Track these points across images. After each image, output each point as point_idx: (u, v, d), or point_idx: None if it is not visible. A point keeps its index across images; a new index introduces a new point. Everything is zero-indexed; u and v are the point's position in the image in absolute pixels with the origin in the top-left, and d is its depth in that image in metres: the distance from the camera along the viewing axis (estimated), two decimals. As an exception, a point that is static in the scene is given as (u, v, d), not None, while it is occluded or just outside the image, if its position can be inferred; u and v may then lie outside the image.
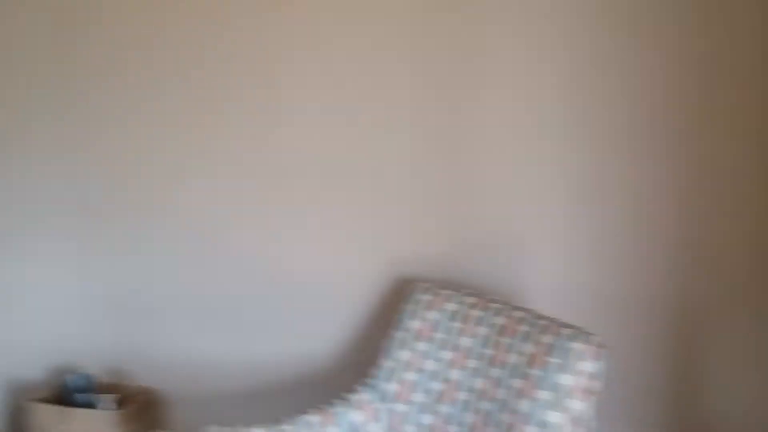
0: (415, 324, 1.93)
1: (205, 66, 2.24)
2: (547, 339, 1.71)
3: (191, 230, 2.34)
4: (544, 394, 1.65)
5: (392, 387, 1.90)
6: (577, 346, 1.67)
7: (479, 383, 1.79)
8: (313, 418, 1.83)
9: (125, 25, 2.28)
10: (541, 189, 2.04)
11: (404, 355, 1.91)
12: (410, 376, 1.89)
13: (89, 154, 2.39)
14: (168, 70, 2.27)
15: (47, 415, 2.28)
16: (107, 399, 2.31)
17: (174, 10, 2.24)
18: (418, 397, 1.86)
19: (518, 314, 1.82)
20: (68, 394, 2.35)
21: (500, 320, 1.82)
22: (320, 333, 2.26)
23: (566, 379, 1.65)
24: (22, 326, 2.56)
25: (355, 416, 1.87)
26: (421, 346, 1.90)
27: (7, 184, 2.47)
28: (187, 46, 2.24)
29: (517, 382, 1.70)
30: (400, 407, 1.88)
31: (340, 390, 2.15)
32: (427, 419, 1.84)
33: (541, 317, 1.80)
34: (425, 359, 1.88)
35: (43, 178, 2.44)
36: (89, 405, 2.32)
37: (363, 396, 1.92)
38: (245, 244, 2.30)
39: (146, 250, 2.40)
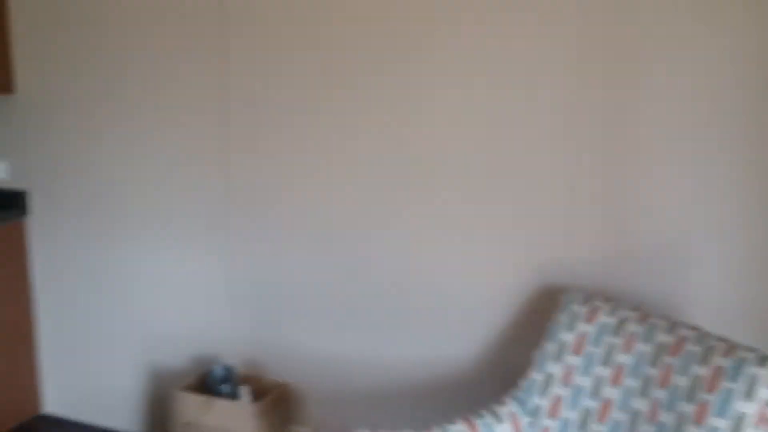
0: (567, 336, 1.83)
1: (348, 62, 2.23)
2: (721, 361, 1.57)
3: (333, 230, 2.35)
4: (719, 422, 1.52)
5: (542, 402, 1.81)
6: (757, 370, 1.52)
7: (640, 404, 1.67)
8: (459, 428, 1.78)
9: (284, 27, 2.31)
10: (708, 194, 1.88)
11: (555, 368, 1.82)
12: (562, 391, 1.80)
13: (240, 154, 2.45)
14: (313, 69, 2.28)
15: (191, 403, 2.37)
16: (246, 391, 2.37)
17: (329, 16, 2.25)
18: (571, 414, 1.77)
19: (685, 332, 1.68)
20: (211, 384, 2.43)
21: (665, 337, 1.69)
22: (460, 338, 2.21)
23: (745, 407, 1.50)
24: (169, 317, 2.68)
25: (502, 429, 1.81)
26: (575, 360, 1.80)
27: (150, 181, 2.59)
28: (332, 46, 2.24)
29: (686, 407, 1.58)
30: (551, 423, 1.79)
31: (480, 398, 2.09)
32: (578, 437, 1.74)
33: (711, 336, 1.66)
34: (579, 375, 1.78)
35: (195, 177, 2.53)
36: (230, 395, 2.39)
37: (510, 408, 1.84)
38: (386, 246, 2.28)
39: (288, 248, 2.43)
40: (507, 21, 2.02)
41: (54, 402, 2.98)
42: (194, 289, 2.61)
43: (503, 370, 2.13)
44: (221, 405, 2.32)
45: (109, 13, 2.53)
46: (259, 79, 2.36)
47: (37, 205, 2.82)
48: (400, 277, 2.27)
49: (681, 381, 1.61)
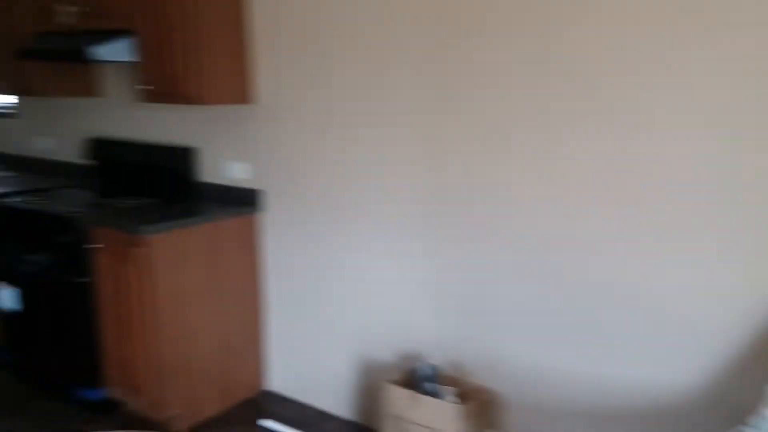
0: (809, 374, 1.65)
1: (569, 69, 2.21)
2: None
3: (547, 240, 2.34)
4: None
5: (776, 442, 1.65)
6: None
7: None
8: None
9: (507, 32, 2.36)
10: None
11: (793, 408, 1.65)
12: (801, 434, 1.62)
13: (447, 154, 2.53)
14: (534, 74, 2.29)
15: (399, 397, 2.51)
16: (450, 391, 2.46)
17: (566, 19, 2.24)
18: (811, 460, 1.59)
19: None
20: (416, 380, 2.55)
21: None
22: (681, 362, 2.08)
23: None
24: (381, 312, 2.86)
25: (725, 466, 1.68)
26: (818, 401, 1.61)
27: (369, 182, 2.78)
28: (555, 53, 2.23)
29: None
30: (785, 467, 1.62)
31: (699, 430, 1.96)
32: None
33: None
34: (823, 418, 1.60)
35: (405, 176, 2.68)
36: (432, 394, 2.49)
37: (735, 445, 1.70)
38: (603, 261, 2.22)
39: (499, 254, 2.46)
40: (746, 22, 1.86)
41: (278, 380, 3.33)
42: (406, 288, 2.76)
43: (728, 403, 1.97)
44: (427, 402, 2.43)
45: (335, 33, 2.75)
46: (476, 83, 2.41)
47: (272, 202, 3.16)
48: (617, 293, 2.20)
49: None
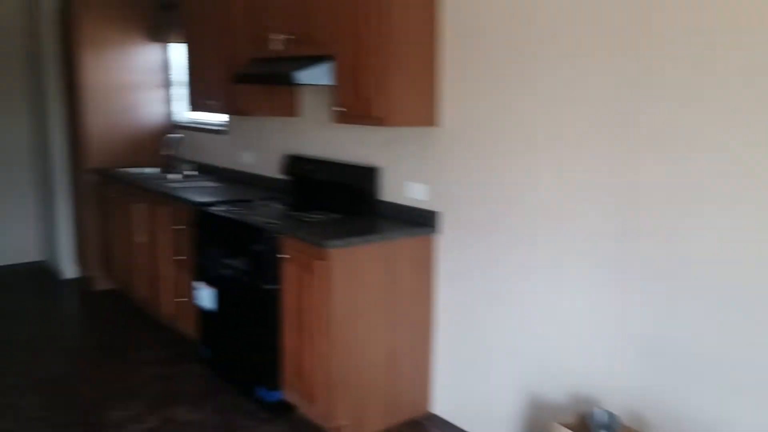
0: None
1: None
2: None
3: (756, 287, 2.08)
4: None
5: None
6: None
7: None
8: None
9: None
10: None
11: None
12: None
13: (639, 184, 2.36)
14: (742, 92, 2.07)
15: (568, 441, 2.36)
16: (628, 444, 2.26)
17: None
18: None
19: None
20: (590, 427, 2.38)
21: None
22: None
23: None
24: (554, 349, 2.73)
25: None
26: None
27: (548, 210, 2.66)
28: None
29: None
30: None
31: None
32: None
33: None
34: None
35: (593, 211, 2.53)
36: (608, 444, 2.31)
37: None
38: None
39: (699, 297, 2.23)
40: None
41: (443, 404, 3.30)
42: (583, 325, 2.60)
43: None
44: (600, 451, 2.26)
45: (518, 61, 2.71)
46: (671, 112, 2.23)
47: (448, 225, 3.17)
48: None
49: None
